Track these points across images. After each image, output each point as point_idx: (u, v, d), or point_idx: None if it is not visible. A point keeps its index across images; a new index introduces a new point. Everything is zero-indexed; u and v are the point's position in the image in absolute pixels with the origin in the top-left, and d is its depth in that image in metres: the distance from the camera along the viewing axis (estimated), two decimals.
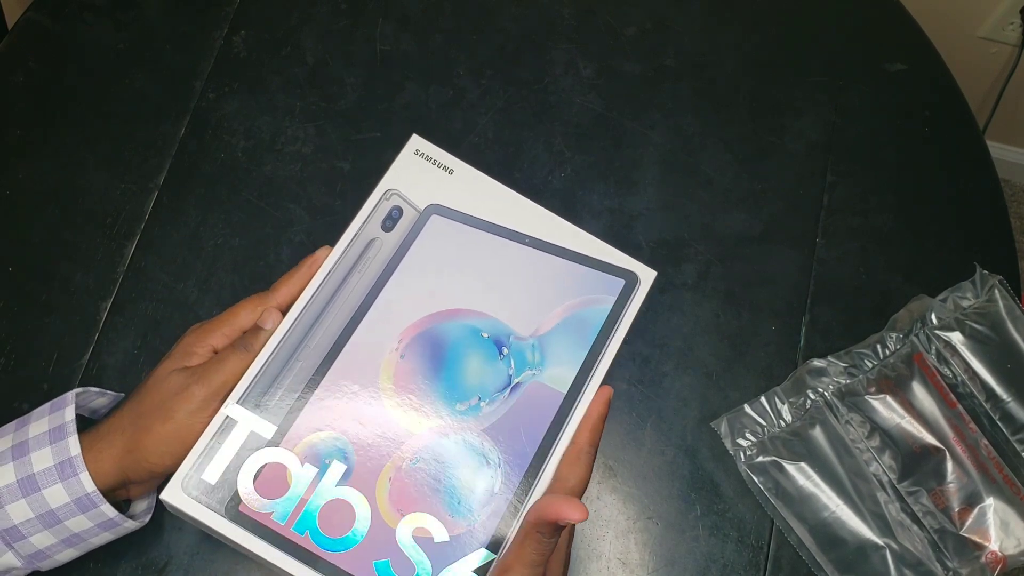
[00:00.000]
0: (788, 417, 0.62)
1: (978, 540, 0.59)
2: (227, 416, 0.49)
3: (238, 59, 0.71)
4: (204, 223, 0.66)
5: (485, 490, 0.50)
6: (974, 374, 0.63)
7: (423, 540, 0.49)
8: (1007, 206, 0.70)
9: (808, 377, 0.62)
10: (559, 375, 0.54)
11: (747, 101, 0.73)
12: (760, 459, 0.60)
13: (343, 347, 0.53)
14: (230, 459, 0.48)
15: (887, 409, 0.62)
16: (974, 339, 0.63)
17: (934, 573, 0.58)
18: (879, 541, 0.58)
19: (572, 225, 0.58)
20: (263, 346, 0.50)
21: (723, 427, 0.61)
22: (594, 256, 0.57)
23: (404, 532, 0.49)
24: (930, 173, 0.71)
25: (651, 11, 0.75)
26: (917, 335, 0.64)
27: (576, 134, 0.71)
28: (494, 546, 0.49)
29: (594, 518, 0.60)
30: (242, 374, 0.49)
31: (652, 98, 0.72)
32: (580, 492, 0.48)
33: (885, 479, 0.60)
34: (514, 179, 0.69)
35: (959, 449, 0.61)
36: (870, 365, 0.63)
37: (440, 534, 0.49)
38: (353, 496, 0.49)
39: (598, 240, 0.58)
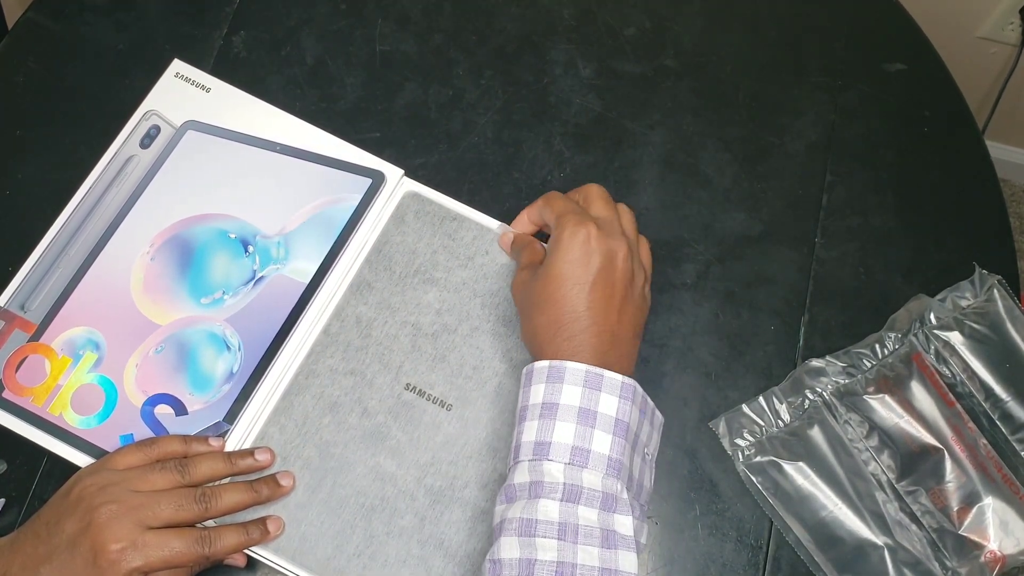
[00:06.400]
0: (786, 417, 0.62)
1: (977, 539, 0.59)
2: None
3: (238, 59, 0.71)
4: None
5: (225, 371, 0.58)
6: (973, 374, 0.63)
7: (164, 416, 0.58)
8: (1007, 206, 0.71)
9: (807, 377, 0.62)
10: (302, 267, 0.61)
11: (747, 101, 0.73)
12: (758, 459, 0.61)
13: (99, 253, 0.61)
14: None
15: (886, 409, 0.62)
16: (973, 339, 0.63)
17: (933, 572, 0.58)
18: (878, 540, 0.59)
19: (325, 132, 0.64)
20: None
21: (721, 427, 0.62)
22: (342, 159, 0.64)
23: (147, 410, 0.57)
24: (930, 173, 0.71)
25: (651, 11, 0.75)
26: (916, 335, 0.64)
27: (576, 134, 0.71)
28: (230, 417, 0.58)
29: None
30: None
31: (652, 98, 0.72)
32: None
33: (884, 478, 0.61)
34: (514, 179, 0.69)
35: (958, 448, 0.61)
36: (869, 365, 0.63)
37: (180, 410, 0.57)
38: (102, 381, 0.58)
39: (350, 145, 0.64)
